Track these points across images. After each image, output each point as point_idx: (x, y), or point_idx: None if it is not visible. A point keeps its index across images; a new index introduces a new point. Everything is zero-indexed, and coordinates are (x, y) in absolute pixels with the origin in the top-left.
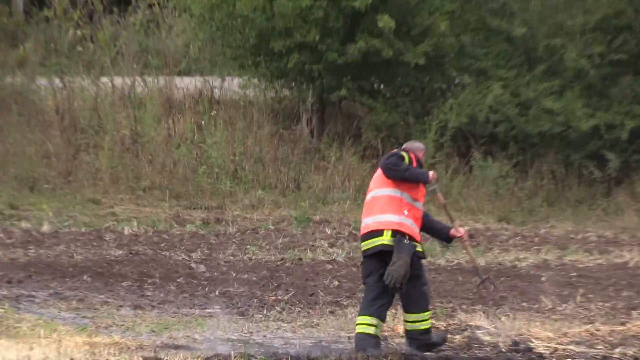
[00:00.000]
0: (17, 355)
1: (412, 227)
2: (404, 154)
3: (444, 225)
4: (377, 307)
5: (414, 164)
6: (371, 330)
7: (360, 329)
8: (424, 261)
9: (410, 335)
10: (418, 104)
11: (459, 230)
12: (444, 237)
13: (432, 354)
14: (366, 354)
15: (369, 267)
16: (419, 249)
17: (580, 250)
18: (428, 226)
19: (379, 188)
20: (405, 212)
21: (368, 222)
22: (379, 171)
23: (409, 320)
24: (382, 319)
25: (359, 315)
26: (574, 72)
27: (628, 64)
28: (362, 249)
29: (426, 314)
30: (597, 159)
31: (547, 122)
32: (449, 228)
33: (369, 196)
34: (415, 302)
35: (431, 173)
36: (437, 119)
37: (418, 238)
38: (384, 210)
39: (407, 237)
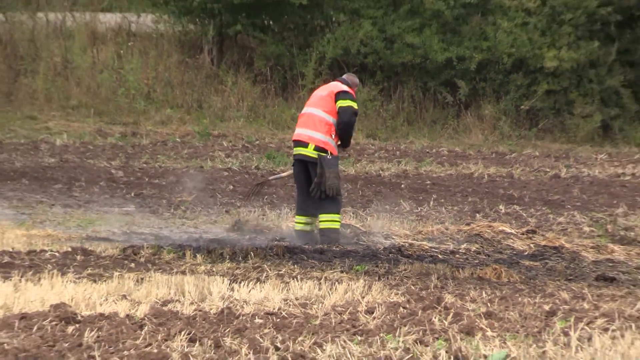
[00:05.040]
0: None
1: (334, 146)
2: (353, 103)
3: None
4: (305, 208)
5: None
6: (306, 227)
7: (297, 227)
8: None
9: (324, 232)
10: (301, 38)
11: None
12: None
13: (310, 246)
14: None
15: (296, 170)
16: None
17: (434, 162)
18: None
19: (320, 109)
20: (333, 135)
21: (300, 132)
22: (324, 93)
23: (325, 219)
24: (315, 215)
25: (296, 214)
26: (432, 12)
27: (477, 6)
28: (293, 153)
29: (337, 217)
30: (450, 86)
31: (408, 54)
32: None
33: (307, 110)
34: (331, 204)
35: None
36: (317, 51)
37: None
38: (317, 129)
39: (329, 154)
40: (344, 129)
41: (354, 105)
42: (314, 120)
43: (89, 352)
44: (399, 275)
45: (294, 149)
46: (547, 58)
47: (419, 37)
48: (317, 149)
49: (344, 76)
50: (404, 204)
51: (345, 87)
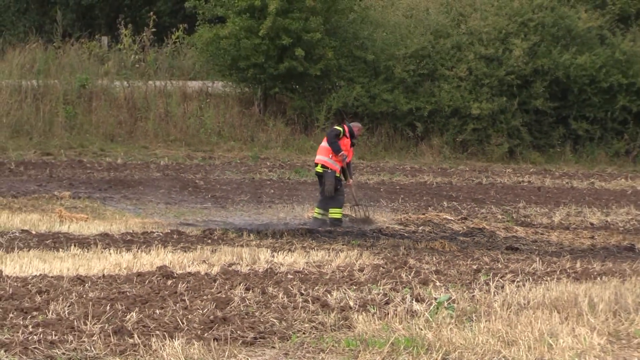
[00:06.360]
0: (104, 228)
1: (333, 164)
2: (340, 128)
3: (349, 174)
4: (323, 204)
5: (347, 132)
6: (319, 216)
7: (315, 216)
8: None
9: (331, 220)
10: (316, 96)
11: (350, 182)
12: (345, 178)
13: (322, 228)
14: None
15: (319, 182)
16: (338, 175)
17: (401, 174)
18: (345, 168)
19: (324, 142)
20: (330, 156)
21: (316, 158)
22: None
23: (331, 212)
24: (327, 210)
25: (316, 207)
26: (399, 79)
27: (428, 75)
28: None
29: (339, 210)
30: (411, 126)
31: (384, 106)
32: (347, 178)
33: (320, 145)
34: (335, 202)
35: (340, 153)
36: (326, 104)
37: (337, 170)
38: (321, 153)
39: (329, 169)
40: (327, 140)
41: (337, 127)
42: (321, 149)
43: (181, 297)
44: (379, 247)
45: (315, 168)
46: (473, 108)
47: (391, 95)
48: (322, 166)
49: (350, 123)
50: (382, 201)
51: (337, 126)
